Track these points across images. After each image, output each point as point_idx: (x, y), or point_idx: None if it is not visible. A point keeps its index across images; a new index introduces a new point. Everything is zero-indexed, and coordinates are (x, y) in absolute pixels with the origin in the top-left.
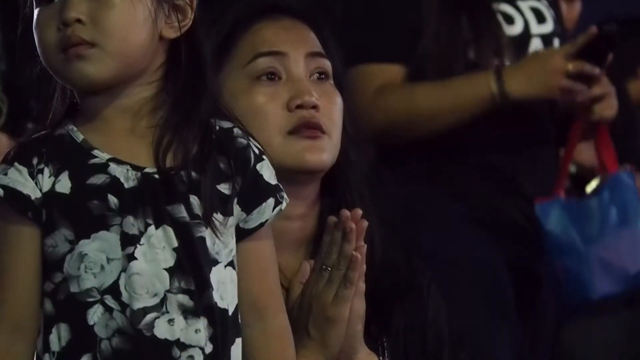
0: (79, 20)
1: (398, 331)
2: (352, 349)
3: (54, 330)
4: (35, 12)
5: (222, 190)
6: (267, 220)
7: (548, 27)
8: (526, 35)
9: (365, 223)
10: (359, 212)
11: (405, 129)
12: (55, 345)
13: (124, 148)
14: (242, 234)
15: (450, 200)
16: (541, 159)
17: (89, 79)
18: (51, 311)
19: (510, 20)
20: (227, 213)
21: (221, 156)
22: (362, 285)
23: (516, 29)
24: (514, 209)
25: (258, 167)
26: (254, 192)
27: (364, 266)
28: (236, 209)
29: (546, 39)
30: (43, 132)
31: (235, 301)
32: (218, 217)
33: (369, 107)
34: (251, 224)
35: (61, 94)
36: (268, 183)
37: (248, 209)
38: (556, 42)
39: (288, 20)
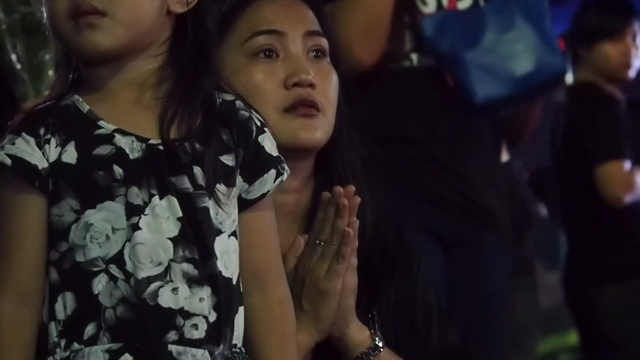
0: None
1: (388, 306)
2: (344, 322)
3: (59, 298)
4: None
5: (225, 162)
6: (268, 191)
7: (465, 2)
8: None
9: (358, 199)
10: (352, 188)
11: (364, 19)
12: (60, 314)
13: (129, 119)
14: (244, 205)
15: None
16: (464, 130)
17: (99, 48)
18: (57, 280)
19: (423, 2)
20: (230, 184)
21: (224, 128)
22: (354, 260)
23: (429, 8)
24: (440, 184)
25: (260, 138)
26: (256, 164)
27: (356, 242)
28: (238, 180)
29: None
30: (49, 103)
31: (238, 270)
32: (221, 188)
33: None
34: (253, 195)
35: (65, 65)
36: (269, 154)
37: (250, 179)
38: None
39: None
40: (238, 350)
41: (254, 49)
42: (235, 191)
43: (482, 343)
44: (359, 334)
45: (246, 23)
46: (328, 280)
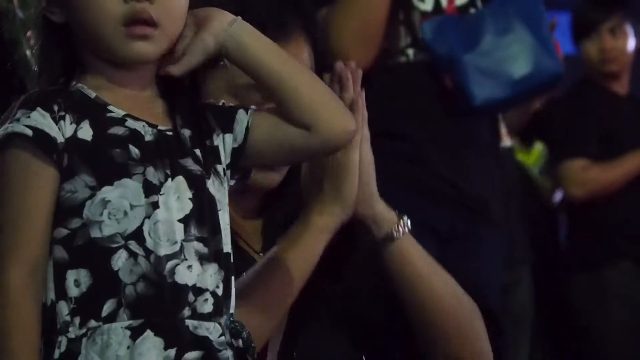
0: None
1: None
2: (370, 197)
3: (68, 276)
4: None
5: (214, 144)
6: (248, 122)
7: None
8: (438, 10)
9: (360, 71)
10: (353, 63)
11: (359, 24)
12: (73, 291)
13: (135, 108)
14: (239, 152)
15: None
16: (459, 123)
17: (143, 58)
18: (64, 258)
19: None
20: (222, 161)
21: (209, 114)
22: (366, 132)
23: (427, 5)
24: (434, 178)
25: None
26: (225, 114)
27: (366, 111)
28: (221, 137)
29: (462, 10)
30: (53, 88)
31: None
32: (217, 167)
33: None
34: (241, 136)
35: (59, 54)
36: (231, 106)
37: (228, 128)
38: (472, 11)
39: None
40: (235, 320)
41: None
42: (225, 167)
43: None
44: (386, 211)
45: None
46: (345, 152)
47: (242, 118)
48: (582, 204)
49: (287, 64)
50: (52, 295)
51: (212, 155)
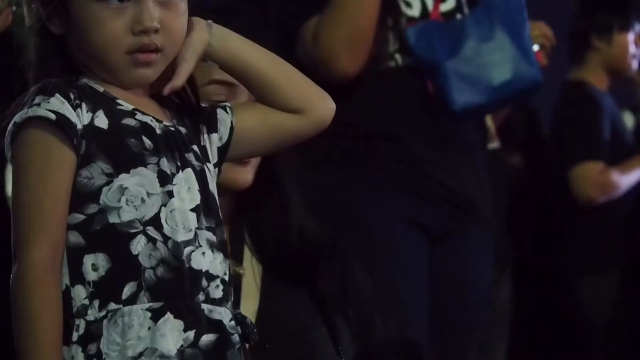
0: (156, 30)
1: (330, 296)
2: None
3: (85, 261)
4: (87, 4)
5: (202, 143)
6: (232, 122)
7: (449, 4)
8: (425, 16)
9: None
10: None
11: (349, 31)
12: (91, 275)
13: (140, 105)
14: (223, 150)
15: (359, 174)
16: (446, 124)
17: (145, 82)
18: (80, 243)
19: (408, 5)
20: (210, 160)
21: (194, 117)
22: None
23: (414, 11)
24: (423, 177)
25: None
26: (209, 117)
27: None
28: (208, 137)
29: (447, 16)
30: (63, 80)
31: None
32: (209, 165)
33: (316, 51)
34: (226, 135)
35: (57, 62)
36: (208, 106)
37: (213, 128)
38: (458, 17)
39: None
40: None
41: None
42: (213, 166)
43: (466, 333)
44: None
45: None
46: None
47: (224, 118)
48: (590, 206)
49: (267, 55)
50: (66, 280)
51: (204, 154)
